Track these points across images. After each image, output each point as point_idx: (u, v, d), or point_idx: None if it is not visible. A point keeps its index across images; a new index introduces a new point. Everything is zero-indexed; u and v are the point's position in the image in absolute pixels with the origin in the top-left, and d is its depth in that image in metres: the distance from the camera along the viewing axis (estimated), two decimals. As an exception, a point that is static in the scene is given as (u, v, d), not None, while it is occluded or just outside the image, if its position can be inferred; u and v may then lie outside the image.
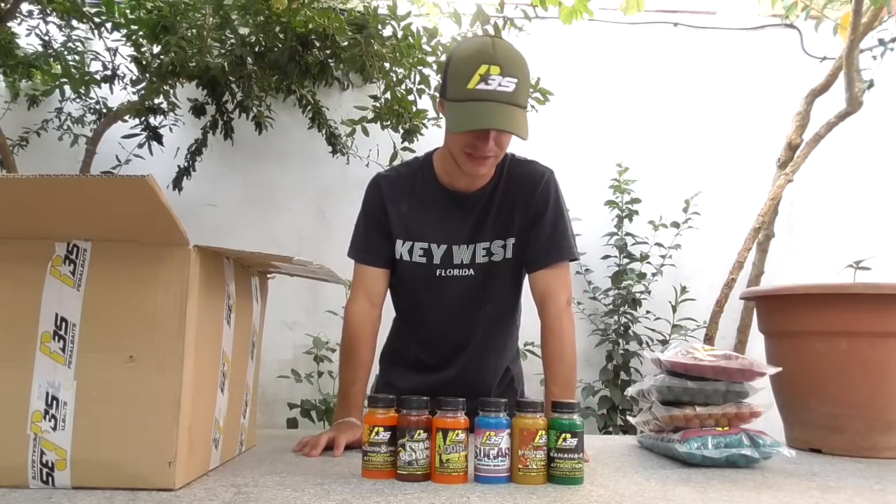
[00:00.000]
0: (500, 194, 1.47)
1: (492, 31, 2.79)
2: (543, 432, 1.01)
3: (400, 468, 1.01)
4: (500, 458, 0.99)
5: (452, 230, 1.46)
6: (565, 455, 1.00)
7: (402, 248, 1.47)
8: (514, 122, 1.28)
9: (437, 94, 2.99)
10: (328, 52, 3.04)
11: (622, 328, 3.22)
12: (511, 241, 1.47)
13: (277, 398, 3.07)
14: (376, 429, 1.02)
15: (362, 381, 1.45)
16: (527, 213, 1.46)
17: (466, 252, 1.47)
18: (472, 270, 1.47)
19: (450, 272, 1.47)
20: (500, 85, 1.27)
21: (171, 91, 2.99)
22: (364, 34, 2.81)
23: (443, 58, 2.92)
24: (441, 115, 1.44)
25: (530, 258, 1.47)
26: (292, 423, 2.92)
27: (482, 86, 1.27)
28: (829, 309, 1.35)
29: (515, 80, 1.28)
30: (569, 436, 1.00)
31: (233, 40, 2.95)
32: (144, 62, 2.92)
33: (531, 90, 3.25)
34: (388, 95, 2.99)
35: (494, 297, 1.50)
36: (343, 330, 1.50)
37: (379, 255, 1.50)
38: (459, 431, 0.99)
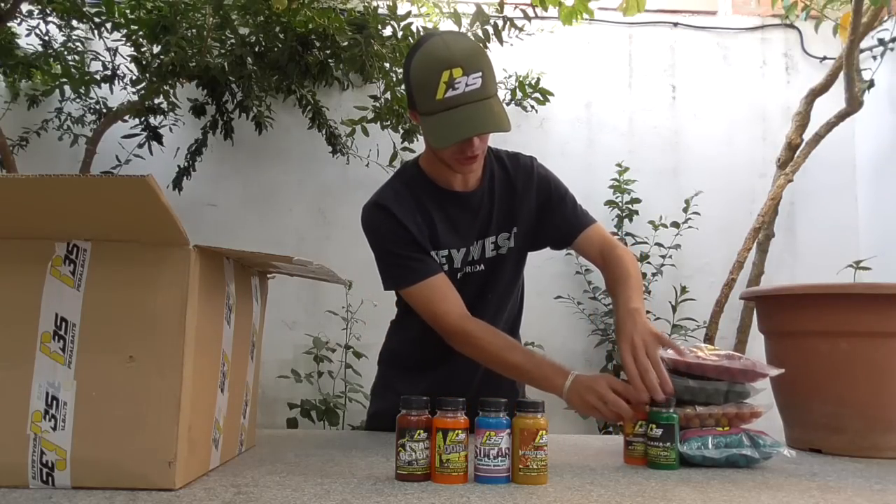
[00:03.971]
0: (498, 188, 1.50)
1: (491, 32, 2.79)
2: (544, 432, 1.01)
3: (400, 468, 1.00)
4: (500, 458, 1.00)
5: (465, 231, 1.48)
6: (649, 442, 1.14)
7: None
8: (493, 119, 1.27)
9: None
10: (328, 52, 3.04)
11: (622, 328, 3.22)
12: (514, 229, 1.50)
13: (277, 398, 3.07)
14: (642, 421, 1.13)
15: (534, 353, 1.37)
16: (528, 201, 1.50)
17: (477, 248, 1.49)
18: (482, 265, 1.50)
19: (466, 269, 1.49)
20: (467, 85, 1.24)
21: (171, 91, 2.99)
22: (364, 34, 2.81)
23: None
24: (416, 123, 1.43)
25: (564, 233, 1.52)
26: (292, 423, 2.92)
27: (451, 92, 1.24)
28: (829, 309, 1.35)
29: (480, 74, 1.26)
30: (654, 426, 1.13)
31: (233, 40, 2.95)
32: (144, 62, 2.91)
33: (531, 90, 3.26)
34: (388, 95, 2.99)
35: (497, 286, 1.53)
36: (467, 340, 1.38)
37: (430, 262, 1.41)
38: (459, 431, 0.99)
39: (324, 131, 3.19)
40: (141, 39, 2.87)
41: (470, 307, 1.49)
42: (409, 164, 1.54)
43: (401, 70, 2.99)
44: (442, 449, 0.99)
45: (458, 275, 1.48)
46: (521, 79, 3.30)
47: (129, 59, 3.00)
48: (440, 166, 1.43)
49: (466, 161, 1.35)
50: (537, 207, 1.51)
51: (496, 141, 1.47)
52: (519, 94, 3.31)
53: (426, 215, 1.44)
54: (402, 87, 3.00)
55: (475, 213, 1.48)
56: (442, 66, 1.25)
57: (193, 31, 2.86)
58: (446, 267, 1.46)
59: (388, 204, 1.43)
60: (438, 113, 1.27)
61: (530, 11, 2.84)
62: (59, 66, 3.02)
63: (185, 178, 3.15)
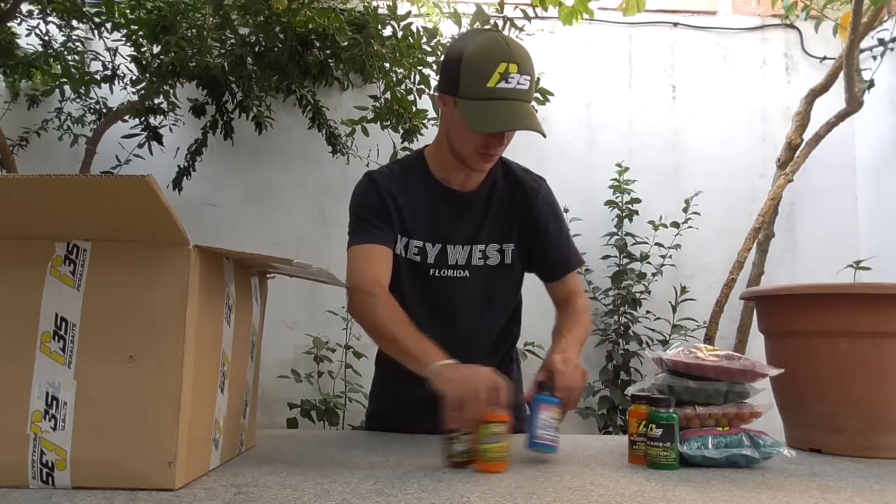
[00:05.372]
0: (497, 198, 1.48)
1: (492, 31, 2.79)
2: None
3: (453, 456, 1.11)
4: (558, 432, 1.17)
5: (448, 229, 1.45)
6: (649, 442, 1.14)
7: (399, 244, 1.44)
8: (534, 120, 1.30)
9: (436, 92, 3.00)
10: (328, 52, 3.04)
11: (622, 328, 3.22)
12: (510, 247, 1.48)
13: (277, 398, 3.07)
14: (643, 421, 1.16)
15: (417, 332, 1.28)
16: (526, 221, 1.48)
17: (462, 253, 1.46)
18: (466, 272, 1.46)
19: (443, 272, 1.45)
20: (518, 83, 1.28)
21: (171, 91, 2.99)
22: (364, 34, 2.81)
23: (443, 58, 2.92)
24: (441, 111, 1.42)
25: (550, 268, 1.53)
26: (292, 423, 2.92)
27: (502, 84, 1.27)
28: (829, 309, 1.35)
29: (529, 78, 1.30)
30: (654, 426, 1.14)
31: (233, 40, 2.95)
32: (144, 62, 2.92)
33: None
34: (388, 95, 2.99)
35: (493, 302, 1.50)
36: (363, 313, 1.34)
37: (384, 235, 1.40)
38: (498, 424, 1.08)
39: (324, 131, 3.19)
40: (141, 39, 2.87)
41: (455, 315, 1.47)
42: (414, 152, 1.54)
43: (401, 70, 2.99)
44: (481, 440, 1.08)
45: (432, 271, 1.45)
46: (521, 79, 3.29)
47: (129, 59, 3.00)
48: (446, 160, 1.43)
49: (487, 157, 1.37)
50: (532, 232, 1.49)
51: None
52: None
53: (409, 201, 1.44)
54: (402, 87, 3.00)
55: (465, 214, 1.46)
56: (501, 57, 1.28)
57: (193, 31, 2.86)
58: (418, 259, 1.44)
59: (377, 178, 1.45)
60: (484, 100, 1.28)
61: (530, 11, 2.85)
62: (59, 66, 3.02)
63: (185, 178, 3.15)
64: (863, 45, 3.07)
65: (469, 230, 1.46)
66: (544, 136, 1.31)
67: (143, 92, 2.95)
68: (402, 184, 1.45)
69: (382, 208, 1.42)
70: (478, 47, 1.31)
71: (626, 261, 3.26)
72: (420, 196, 1.45)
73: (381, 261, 1.39)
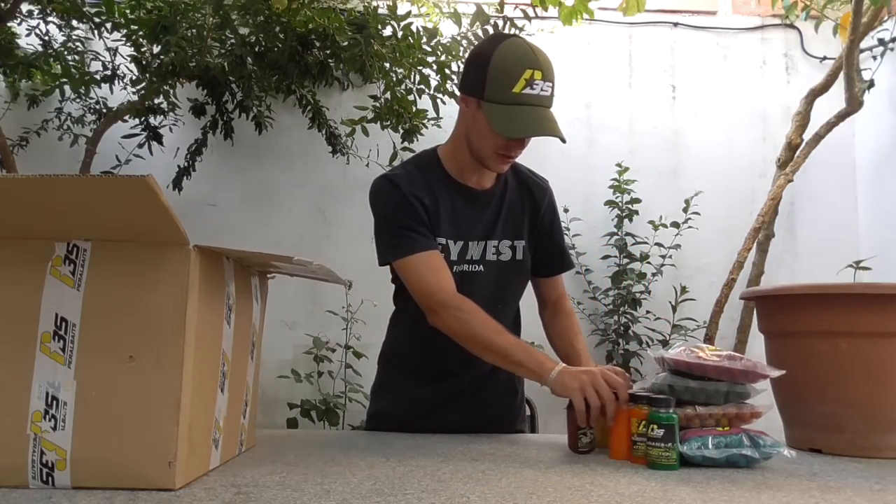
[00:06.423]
0: (509, 197, 1.53)
1: (491, 32, 2.79)
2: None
3: (582, 447, 1.24)
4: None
5: (467, 226, 1.48)
6: (650, 442, 1.14)
7: None
8: (557, 126, 1.36)
9: (440, 93, 2.99)
10: (328, 52, 3.05)
11: (622, 328, 3.22)
12: (521, 243, 1.52)
13: (277, 398, 3.07)
14: (643, 422, 1.18)
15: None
16: (535, 219, 1.55)
17: (478, 248, 1.49)
18: (481, 266, 1.49)
19: (462, 268, 1.48)
20: (542, 90, 1.34)
21: (171, 91, 2.99)
22: (364, 34, 2.82)
23: (443, 58, 2.92)
24: (461, 110, 1.44)
25: (549, 264, 1.60)
26: (292, 423, 2.92)
27: (528, 90, 1.32)
28: (829, 309, 1.35)
29: (552, 85, 1.36)
30: (655, 426, 1.14)
31: (233, 40, 2.95)
32: (144, 62, 2.92)
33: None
34: (388, 95, 2.99)
35: (505, 297, 1.53)
36: (458, 315, 1.36)
37: (430, 240, 1.41)
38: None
39: (324, 131, 3.19)
40: (141, 39, 2.87)
41: None
42: (427, 151, 1.55)
43: (401, 70, 2.99)
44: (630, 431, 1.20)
45: (455, 269, 1.46)
46: (521, 79, 3.29)
47: (129, 59, 3.00)
48: (462, 159, 1.46)
49: (505, 159, 1.41)
50: (540, 231, 1.55)
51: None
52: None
53: (432, 200, 1.45)
54: (402, 87, 3.00)
55: (482, 211, 1.49)
56: (527, 63, 1.32)
57: (193, 31, 2.86)
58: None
59: (397, 180, 1.45)
60: (510, 105, 1.33)
61: (530, 11, 2.85)
62: (59, 66, 3.02)
63: (185, 178, 3.16)
64: (863, 45, 3.07)
65: (484, 227, 1.49)
66: (564, 141, 1.36)
67: (143, 92, 2.95)
68: (423, 184, 1.46)
69: (415, 213, 1.42)
70: (505, 52, 1.34)
71: (626, 261, 3.26)
72: (440, 195, 1.47)
73: (444, 267, 1.41)
